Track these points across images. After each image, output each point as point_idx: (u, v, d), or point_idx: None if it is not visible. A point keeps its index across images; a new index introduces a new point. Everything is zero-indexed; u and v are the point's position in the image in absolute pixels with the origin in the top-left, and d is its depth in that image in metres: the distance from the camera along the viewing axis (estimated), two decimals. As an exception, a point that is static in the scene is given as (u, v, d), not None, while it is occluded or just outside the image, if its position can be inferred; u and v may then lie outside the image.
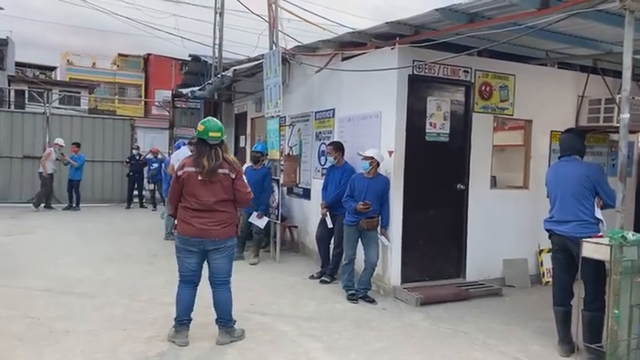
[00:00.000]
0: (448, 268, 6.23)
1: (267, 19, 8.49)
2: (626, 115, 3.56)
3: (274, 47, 7.84)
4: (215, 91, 11.18)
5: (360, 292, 5.59)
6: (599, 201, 4.10)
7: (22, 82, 26.57)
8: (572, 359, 4.13)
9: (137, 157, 14.08)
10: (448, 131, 6.10)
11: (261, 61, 8.06)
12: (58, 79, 33.78)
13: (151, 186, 14.21)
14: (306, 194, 7.89)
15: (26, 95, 24.22)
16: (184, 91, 12.92)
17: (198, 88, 11.66)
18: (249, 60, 9.93)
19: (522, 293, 6.19)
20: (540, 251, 6.64)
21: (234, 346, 4.14)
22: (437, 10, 4.71)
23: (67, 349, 3.96)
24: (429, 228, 6.02)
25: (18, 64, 29.87)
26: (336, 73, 6.94)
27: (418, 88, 5.88)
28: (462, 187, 6.19)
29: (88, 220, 11.33)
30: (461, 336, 4.63)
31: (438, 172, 6.09)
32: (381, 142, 5.94)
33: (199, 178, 3.97)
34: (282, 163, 7.72)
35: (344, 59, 6.84)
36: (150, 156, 14.28)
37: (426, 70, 5.84)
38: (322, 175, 7.08)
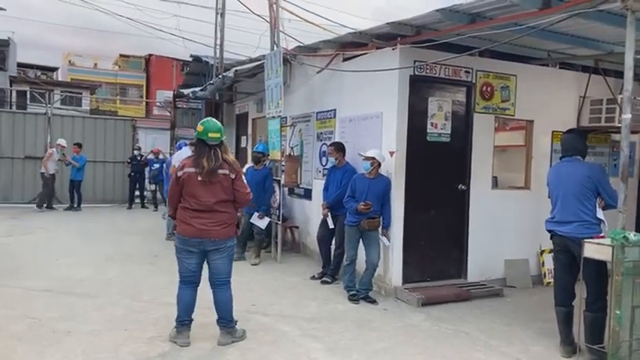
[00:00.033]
0: (449, 268, 6.22)
1: (268, 19, 8.50)
2: (627, 116, 3.55)
3: (275, 48, 7.84)
4: (216, 91, 11.19)
5: (362, 292, 5.59)
6: (601, 201, 4.09)
7: (24, 82, 26.60)
8: (573, 360, 4.13)
9: (138, 158, 14.10)
10: (449, 132, 6.09)
11: (262, 61, 8.06)
12: (60, 79, 33.81)
13: (153, 186, 14.23)
14: (308, 195, 7.89)
15: (28, 96, 24.24)
16: (186, 91, 12.92)
17: (199, 88, 11.66)
18: (251, 60, 9.94)
19: (524, 294, 6.18)
20: (542, 252, 6.63)
21: (235, 346, 4.14)
22: (438, 10, 4.71)
23: (68, 350, 3.96)
24: (430, 228, 6.02)
25: (20, 65, 29.90)
26: (337, 73, 6.94)
27: (419, 88, 5.88)
28: (463, 187, 6.19)
29: (89, 220, 11.34)
30: (462, 336, 4.62)
31: (439, 173, 6.08)
32: (382, 143, 5.94)
33: (199, 178, 3.97)
34: (283, 163, 7.72)
35: (345, 60, 6.84)
36: (151, 156, 14.31)
37: (428, 71, 5.84)
38: (323, 175, 7.08)
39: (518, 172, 6.89)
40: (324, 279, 6.37)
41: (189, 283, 4.15)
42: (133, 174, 13.95)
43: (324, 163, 7.31)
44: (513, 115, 6.53)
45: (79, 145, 13.28)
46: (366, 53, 6.25)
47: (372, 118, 6.17)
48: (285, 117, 8.00)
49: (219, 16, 12.95)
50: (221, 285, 4.17)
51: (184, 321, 4.15)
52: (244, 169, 8.24)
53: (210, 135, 4.01)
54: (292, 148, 8.28)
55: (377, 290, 5.87)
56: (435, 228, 6.06)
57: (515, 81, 6.44)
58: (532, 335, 4.68)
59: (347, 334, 4.54)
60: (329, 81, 7.25)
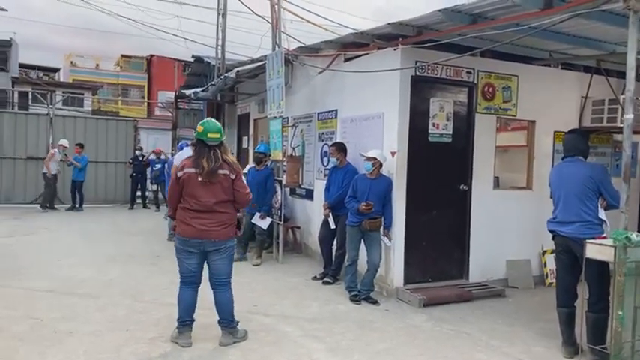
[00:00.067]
0: (451, 269, 6.22)
1: (269, 20, 8.50)
2: (629, 116, 3.54)
3: (277, 48, 7.84)
4: (218, 92, 11.21)
5: (363, 293, 5.59)
6: (603, 202, 4.08)
7: (26, 83, 26.65)
8: (575, 361, 4.12)
9: (140, 158, 14.12)
10: (451, 132, 6.09)
11: (263, 62, 8.07)
12: (62, 80, 33.88)
13: (154, 187, 14.25)
14: (309, 195, 7.89)
15: (30, 97, 24.28)
16: (187, 92, 12.94)
17: (201, 89, 11.68)
18: (252, 61, 9.94)
19: (525, 294, 6.17)
20: (544, 252, 6.62)
21: (236, 346, 4.14)
22: (440, 10, 4.71)
23: (70, 350, 3.97)
24: (431, 229, 6.01)
25: (22, 66, 29.97)
26: (339, 74, 6.94)
27: (421, 88, 5.88)
28: (464, 187, 6.18)
29: (91, 220, 11.36)
30: (464, 337, 4.62)
31: (440, 173, 6.08)
32: (383, 143, 5.93)
33: (199, 179, 3.97)
34: (284, 164, 7.73)
35: (346, 60, 6.84)
36: (153, 157, 14.33)
37: (429, 71, 5.84)
38: (325, 176, 7.08)
39: (520, 172, 6.88)
40: (325, 279, 6.37)
41: (189, 283, 4.15)
42: (134, 174, 13.97)
43: (325, 164, 7.31)
44: (515, 116, 6.52)
45: (81, 146, 13.30)
46: (367, 54, 6.25)
47: (374, 119, 6.17)
48: (287, 117, 8.00)
49: (220, 16, 12.97)
50: (221, 285, 4.17)
51: (186, 321, 4.15)
52: (246, 170, 8.25)
53: (209, 135, 4.02)
54: (294, 148, 8.29)
55: (378, 291, 5.87)
56: (437, 228, 6.05)
57: (516, 81, 6.43)
58: (534, 336, 4.68)
59: (348, 335, 4.54)
60: (330, 81, 7.26)
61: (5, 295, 5.36)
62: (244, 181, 4.23)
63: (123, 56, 38.19)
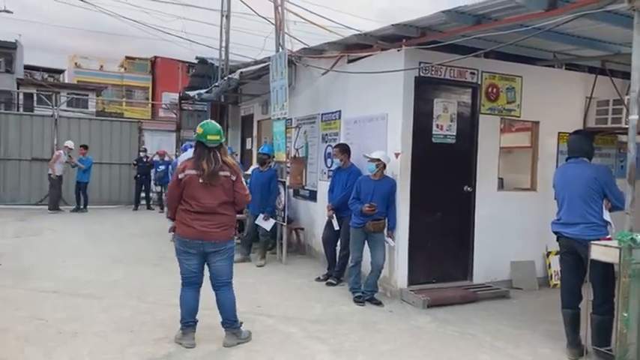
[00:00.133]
0: (455, 270, 6.20)
1: (273, 21, 8.51)
2: (634, 117, 3.53)
3: (280, 49, 7.85)
4: (222, 93, 11.22)
5: (367, 294, 5.58)
6: (608, 203, 4.07)
7: (31, 85, 26.82)
8: (580, 362, 4.10)
9: (144, 159, 14.15)
10: (455, 133, 6.08)
11: (267, 63, 8.08)
12: (66, 81, 34.08)
13: (158, 188, 14.26)
14: (313, 196, 7.89)
15: (35, 98, 24.43)
16: (191, 93, 12.98)
17: (205, 90, 11.70)
18: (256, 62, 9.96)
19: (530, 296, 6.15)
20: (548, 253, 6.60)
21: (240, 347, 4.15)
22: (443, 11, 4.71)
23: (74, 351, 3.98)
24: (435, 230, 6.00)
25: (27, 67, 30.16)
26: (342, 75, 6.95)
27: (425, 89, 5.87)
28: (468, 189, 6.17)
29: (95, 222, 11.39)
30: (468, 339, 4.61)
31: (444, 174, 6.07)
32: (387, 144, 5.93)
33: (200, 181, 3.98)
34: (288, 165, 7.73)
35: (350, 61, 6.85)
36: (157, 158, 14.36)
37: (433, 72, 5.83)
38: (328, 177, 7.09)
39: (524, 173, 6.86)
40: (329, 281, 6.36)
41: (191, 284, 4.16)
42: (138, 176, 14.00)
43: (329, 165, 7.32)
44: (519, 117, 6.51)
45: (85, 147, 13.34)
46: (371, 55, 6.25)
47: (377, 120, 6.17)
48: (291, 119, 8.01)
49: (224, 18, 12.99)
50: (223, 286, 4.18)
51: (189, 322, 4.16)
52: (250, 171, 8.27)
53: (209, 137, 4.03)
54: (297, 149, 8.29)
55: (382, 292, 5.86)
56: (441, 230, 6.04)
57: (520, 82, 6.41)
58: (539, 337, 4.66)
59: (352, 336, 4.53)
60: (334, 82, 7.26)
61: (11, 296, 5.39)
62: (244, 183, 4.24)
63: (127, 58, 38.33)
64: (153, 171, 14.12)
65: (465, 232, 6.20)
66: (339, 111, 7.15)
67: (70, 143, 13.10)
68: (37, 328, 4.45)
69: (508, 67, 6.32)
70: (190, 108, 14.93)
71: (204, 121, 4.21)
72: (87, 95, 29.74)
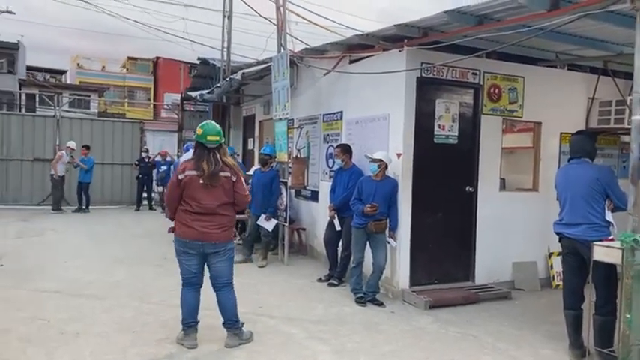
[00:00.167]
0: (457, 271, 6.19)
1: (275, 22, 8.52)
2: (637, 117, 3.51)
3: (282, 50, 7.85)
4: (223, 94, 11.23)
5: (369, 294, 5.58)
6: (610, 204, 4.06)
7: (33, 85, 26.87)
8: (583, 364, 4.09)
9: (146, 160, 14.18)
10: (457, 133, 6.07)
11: (269, 64, 8.09)
12: (68, 82, 34.12)
13: (160, 188, 14.30)
14: (314, 197, 7.89)
15: (37, 99, 24.49)
16: (193, 94, 13.00)
17: (206, 91, 11.72)
18: (258, 63, 9.97)
19: (532, 296, 6.14)
20: (550, 254, 6.59)
21: (242, 348, 4.15)
22: (445, 12, 4.70)
23: (76, 351, 3.99)
24: (437, 231, 5.99)
25: (29, 68, 30.22)
26: (344, 75, 6.95)
27: (426, 90, 5.87)
28: (470, 189, 6.16)
29: (97, 222, 11.41)
30: (470, 339, 4.60)
31: (446, 175, 6.06)
32: (389, 145, 5.93)
33: (201, 181, 3.99)
34: (290, 165, 7.73)
35: (352, 62, 6.85)
36: (159, 158, 14.39)
37: (435, 73, 5.83)
38: (330, 177, 7.08)
39: (526, 174, 6.85)
40: (330, 281, 6.36)
41: (191, 284, 4.16)
42: (140, 176, 14.03)
43: (330, 165, 7.32)
44: (521, 117, 6.50)
45: (87, 148, 13.38)
46: (372, 55, 6.26)
47: (379, 120, 6.17)
48: (292, 119, 8.01)
49: (226, 19, 13.02)
50: (223, 287, 4.18)
51: (190, 323, 4.16)
52: (251, 171, 8.27)
53: (209, 138, 4.03)
54: (299, 150, 8.29)
55: (384, 293, 5.86)
56: (443, 230, 6.03)
57: (523, 82, 6.41)
58: (541, 338, 4.65)
59: (354, 337, 4.53)
60: (336, 83, 7.26)
61: (13, 297, 5.40)
62: (244, 184, 4.25)
63: (129, 58, 38.39)
64: (155, 171, 14.16)
65: (467, 233, 6.19)
66: (341, 111, 7.15)
67: (72, 144, 13.13)
68: (39, 328, 4.46)
69: (510, 67, 6.31)
70: (192, 108, 14.95)
71: (204, 122, 4.22)
72: (89, 96, 29.78)
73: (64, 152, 12.98)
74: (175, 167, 9.33)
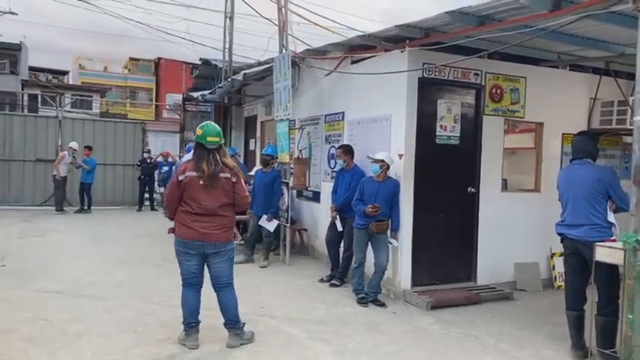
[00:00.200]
0: (459, 271, 6.19)
1: (276, 22, 8.53)
2: (639, 117, 3.51)
3: (284, 51, 7.87)
4: (225, 94, 11.24)
5: (370, 295, 5.58)
6: (612, 204, 4.05)
7: (35, 86, 26.90)
8: (585, 364, 4.09)
9: (148, 160, 14.20)
10: (459, 134, 6.07)
11: (271, 64, 8.10)
12: (70, 83, 34.16)
13: (162, 189, 14.31)
14: (316, 197, 7.89)
15: (39, 99, 24.52)
16: (195, 94, 13.01)
17: (208, 91, 11.72)
18: (259, 63, 9.98)
19: (534, 297, 6.13)
20: (552, 255, 6.58)
21: (243, 348, 4.15)
22: (447, 12, 4.70)
23: (78, 351, 3.99)
24: (439, 231, 5.99)
25: (31, 69, 30.26)
26: (346, 76, 6.95)
27: (428, 90, 5.87)
28: (472, 190, 6.16)
29: (99, 222, 11.43)
30: (472, 340, 4.60)
31: (448, 175, 6.06)
32: (390, 145, 5.93)
33: (201, 182, 3.99)
34: (291, 166, 7.74)
35: (353, 62, 6.85)
36: (160, 159, 14.41)
37: (436, 73, 5.82)
38: (332, 178, 7.08)
39: (528, 174, 6.84)
40: (332, 282, 6.36)
41: (191, 285, 4.17)
42: (142, 177, 14.06)
43: (332, 166, 7.32)
44: (523, 118, 6.49)
45: (89, 148, 13.40)
46: (374, 56, 6.26)
47: (381, 121, 6.17)
48: (294, 120, 8.01)
49: (228, 19, 13.03)
50: (224, 287, 4.18)
51: (191, 323, 4.17)
52: (253, 172, 8.28)
53: (209, 139, 4.04)
54: (301, 150, 8.30)
55: (386, 293, 5.85)
56: (445, 231, 6.03)
57: (524, 83, 6.40)
58: (543, 339, 4.64)
59: (355, 337, 4.53)
60: (337, 84, 7.26)
61: (15, 297, 5.41)
62: (244, 184, 4.25)
63: (131, 59, 38.45)
64: (156, 172, 14.18)
65: (469, 234, 6.18)
66: (343, 112, 7.15)
67: (74, 144, 13.16)
68: (41, 328, 4.47)
69: (512, 67, 6.30)
70: (194, 109, 14.96)
71: (204, 123, 4.22)
72: (91, 96, 29.81)
73: (66, 153, 13.01)
74: (177, 168, 9.35)
